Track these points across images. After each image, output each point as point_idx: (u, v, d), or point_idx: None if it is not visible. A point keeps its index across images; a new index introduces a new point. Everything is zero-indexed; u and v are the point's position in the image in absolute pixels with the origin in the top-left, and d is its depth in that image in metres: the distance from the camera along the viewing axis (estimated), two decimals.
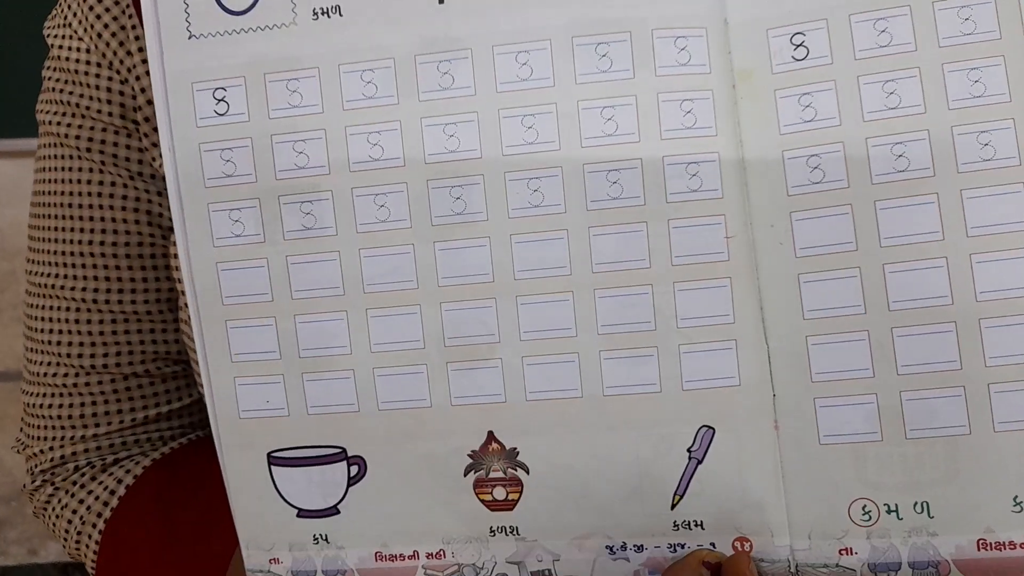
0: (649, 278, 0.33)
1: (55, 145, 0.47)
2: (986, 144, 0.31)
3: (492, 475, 0.35)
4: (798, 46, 0.33)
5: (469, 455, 0.35)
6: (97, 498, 0.46)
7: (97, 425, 0.47)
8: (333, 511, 0.36)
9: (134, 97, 0.44)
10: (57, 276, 0.47)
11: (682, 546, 0.33)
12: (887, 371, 0.32)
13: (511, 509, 0.35)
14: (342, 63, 0.34)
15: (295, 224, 0.35)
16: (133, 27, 0.44)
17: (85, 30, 0.45)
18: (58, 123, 0.46)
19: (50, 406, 0.47)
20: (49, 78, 0.47)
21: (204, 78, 0.35)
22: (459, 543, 0.35)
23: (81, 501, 0.46)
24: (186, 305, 0.44)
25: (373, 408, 0.35)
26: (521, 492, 0.35)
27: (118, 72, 0.44)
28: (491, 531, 0.35)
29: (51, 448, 0.47)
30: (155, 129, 0.44)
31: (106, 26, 0.45)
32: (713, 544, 0.33)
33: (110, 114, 0.45)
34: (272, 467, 0.36)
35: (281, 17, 0.35)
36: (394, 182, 0.34)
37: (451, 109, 0.34)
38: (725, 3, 0.33)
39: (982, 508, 0.31)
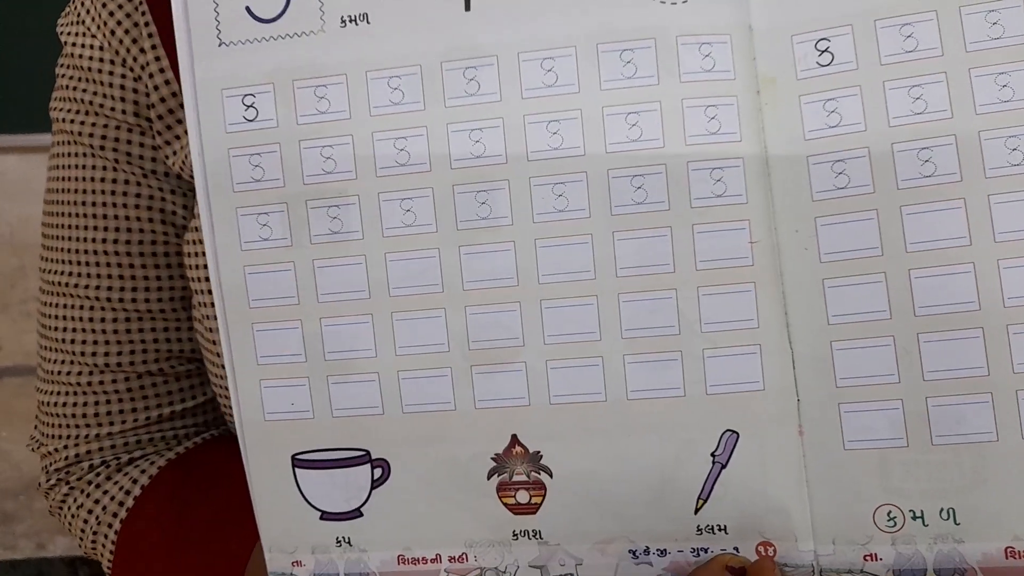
0: (673, 282, 0.33)
1: (69, 143, 0.47)
2: (1014, 149, 0.31)
3: (515, 479, 0.35)
4: (823, 52, 0.33)
5: (493, 458, 0.35)
6: (113, 498, 0.46)
7: (111, 424, 0.47)
8: (356, 514, 0.36)
9: (147, 95, 0.45)
10: (71, 275, 0.47)
11: (705, 550, 0.33)
12: (913, 377, 0.31)
13: (534, 513, 0.35)
14: (369, 70, 0.35)
15: (322, 228, 0.35)
16: (146, 24, 0.44)
17: (99, 27, 0.45)
18: (71, 121, 0.46)
19: (64, 404, 0.47)
20: (62, 76, 0.47)
21: (234, 84, 0.36)
22: (482, 547, 0.35)
23: (97, 501, 0.46)
24: (200, 304, 0.44)
25: (397, 411, 0.35)
26: (544, 496, 0.35)
27: (131, 70, 0.45)
28: (514, 535, 0.35)
29: (65, 447, 0.47)
30: (168, 127, 0.45)
31: (119, 23, 0.45)
32: (737, 549, 0.33)
33: (124, 112, 0.45)
34: (296, 469, 0.36)
35: (309, 25, 0.35)
36: (420, 187, 0.35)
37: (477, 115, 0.34)
38: (750, 10, 0.33)
39: (1010, 515, 0.31)
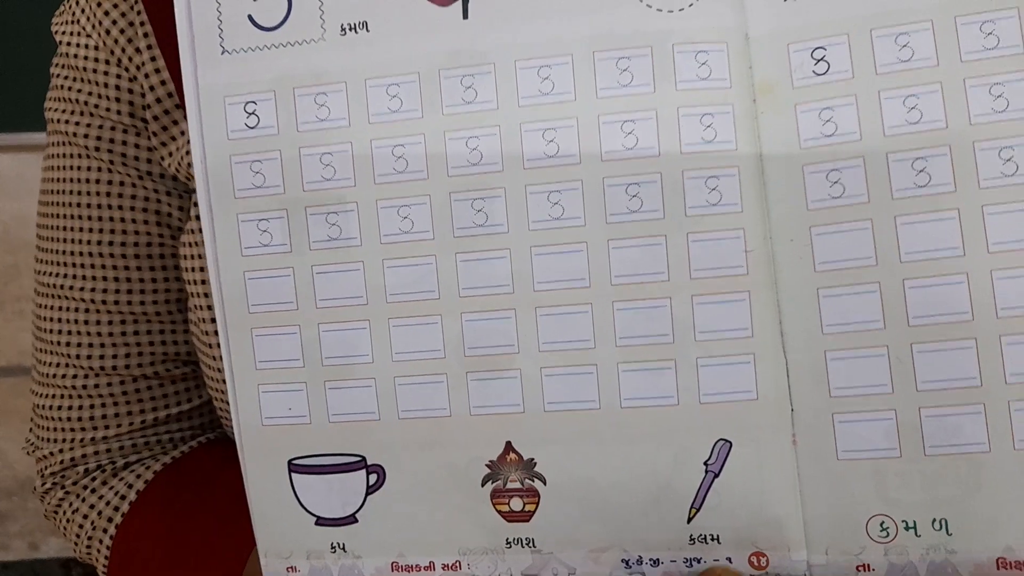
0: (668, 291, 0.33)
1: (63, 144, 0.47)
2: (1008, 159, 0.31)
3: (509, 485, 0.35)
4: (819, 60, 0.33)
5: (487, 465, 0.35)
6: (108, 503, 0.46)
7: (107, 427, 0.47)
8: (351, 520, 0.36)
9: (143, 95, 0.44)
10: (66, 276, 0.46)
11: (698, 560, 0.33)
12: (906, 387, 0.31)
13: (527, 520, 0.35)
14: (368, 77, 0.35)
15: (321, 235, 0.36)
16: (142, 24, 0.44)
17: (93, 27, 0.45)
18: (66, 121, 0.46)
19: (59, 408, 0.47)
20: (57, 75, 0.47)
21: (236, 92, 0.36)
22: (475, 554, 0.36)
23: (92, 506, 0.46)
24: (196, 307, 0.44)
25: (393, 417, 0.35)
26: (538, 503, 0.35)
27: (127, 70, 0.44)
28: (507, 543, 0.35)
29: (60, 451, 0.47)
30: (164, 128, 0.44)
31: (114, 23, 0.44)
32: (730, 559, 0.33)
33: (119, 112, 0.45)
34: (292, 474, 0.36)
35: (310, 33, 0.36)
36: (418, 194, 0.35)
37: (474, 123, 0.34)
38: (746, 18, 0.33)
39: (1002, 526, 0.31)
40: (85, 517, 0.46)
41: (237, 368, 0.36)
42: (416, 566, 0.36)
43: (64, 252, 0.47)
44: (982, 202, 0.31)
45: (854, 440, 0.32)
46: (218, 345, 0.43)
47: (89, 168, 0.46)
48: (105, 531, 0.46)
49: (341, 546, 0.37)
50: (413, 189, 0.35)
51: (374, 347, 0.35)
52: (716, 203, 0.33)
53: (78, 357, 0.46)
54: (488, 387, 0.35)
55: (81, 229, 0.46)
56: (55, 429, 0.47)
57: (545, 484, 0.34)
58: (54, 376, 0.47)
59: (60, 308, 0.47)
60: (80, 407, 0.47)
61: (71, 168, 0.46)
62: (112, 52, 0.44)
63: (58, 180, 0.47)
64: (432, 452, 0.35)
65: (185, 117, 0.42)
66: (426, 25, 0.35)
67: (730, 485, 0.33)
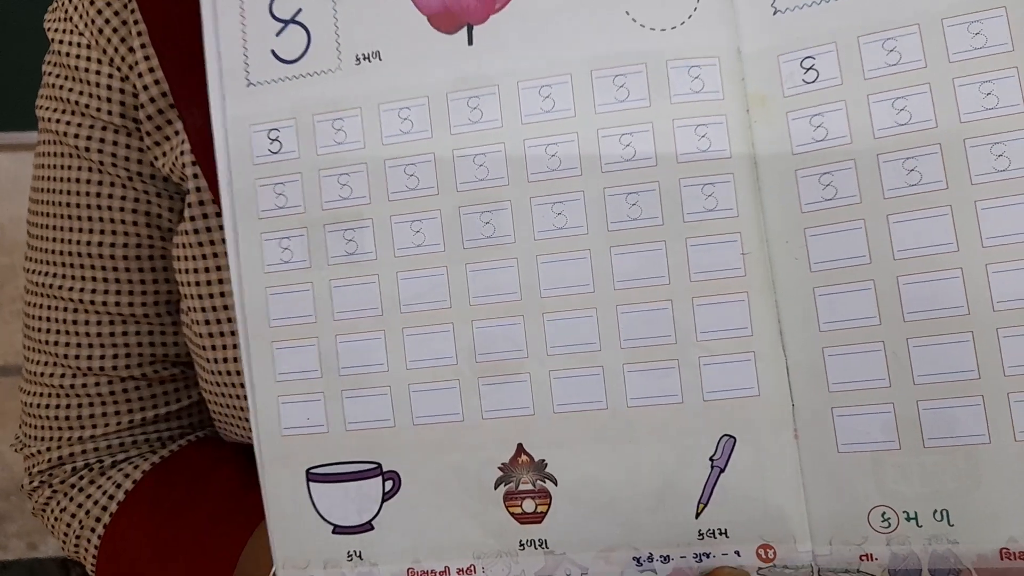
0: (668, 294, 0.34)
1: (54, 143, 0.46)
2: (1000, 155, 0.32)
3: (521, 487, 0.36)
4: (808, 69, 0.34)
5: (499, 468, 0.36)
6: (96, 502, 0.46)
7: (95, 427, 0.46)
8: (367, 527, 0.37)
9: (135, 95, 0.44)
10: (55, 276, 0.46)
11: (707, 555, 0.34)
12: (903, 381, 0.32)
13: (540, 522, 0.36)
14: (382, 102, 0.37)
15: (338, 250, 0.38)
16: (136, 23, 0.43)
17: (86, 25, 0.44)
18: (57, 120, 0.45)
19: (47, 406, 0.47)
20: (49, 73, 0.46)
21: (260, 120, 0.39)
22: (489, 558, 0.36)
23: (80, 505, 0.46)
24: (189, 309, 0.44)
25: (408, 423, 0.37)
26: (550, 504, 0.35)
27: (119, 69, 0.44)
28: (520, 545, 0.36)
29: (48, 449, 0.47)
30: (158, 128, 0.44)
31: (107, 21, 0.44)
32: (738, 552, 0.33)
33: (110, 112, 0.44)
34: (310, 483, 0.38)
35: (327, 64, 0.38)
36: (429, 209, 0.37)
37: (480, 140, 0.36)
38: (738, 33, 0.35)
39: (1004, 517, 0.31)
40: (73, 516, 0.46)
41: (258, 380, 0.38)
42: (431, 571, 0.37)
43: (54, 252, 0.46)
44: (974, 198, 0.32)
45: (853, 433, 0.32)
46: (212, 348, 0.44)
47: (80, 168, 0.46)
48: (93, 530, 0.46)
49: (358, 554, 0.38)
50: (424, 204, 0.37)
51: (389, 356, 0.37)
52: (713, 209, 0.34)
53: (66, 357, 0.46)
54: (499, 391, 0.36)
55: (71, 229, 0.46)
56: (43, 427, 0.47)
57: (556, 485, 0.35)
58: (43, 375, 0.47)
59: (49, 307, 0.47)
60: (68, 406, 0.47)
61: (61, 168, 0.46)
62: (105, 51, 0.44)
63: (48, 179, 0.47)
64: (446, 456, 0.36)
65: (179, 117, 0.44)
66: (434, 52, 0.37)
67: (735, 480, 0.33)
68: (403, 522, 0.37)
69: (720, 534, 0.34)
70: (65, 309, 0.47)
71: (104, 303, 0.46)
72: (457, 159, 0.37)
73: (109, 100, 0.45)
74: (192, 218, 0.44)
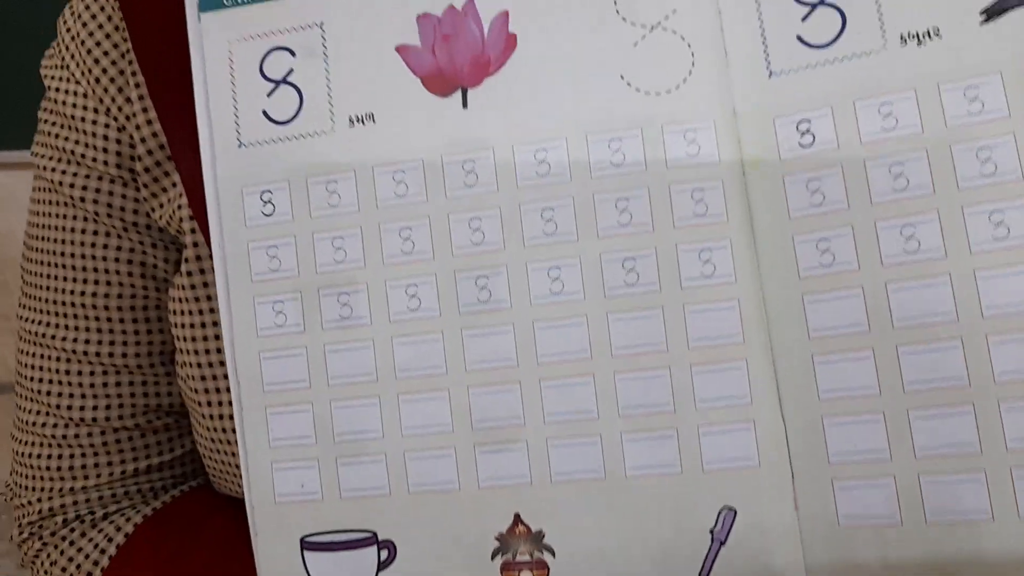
0: (667, 361, 0.34)
1: (49, 190, 0.46)
2: (999, 223, 0.32)
3: (519, 559, 0.35)
4: (804, 133, 0.34)
5: (496, 538, 0.35)
6: (87, 556, 0.45)
7: (86, 478, 0.46)
8: None
9: (132, 145, 0.44)
10: (48, 325, 0.46)
11: None
12: (904, 453, 0.31)
13: None
14: (376, 165, 0.37)
15: (333, 315, 0.37)
16: (133, 74, 0.43)
17: (83, 74, 0.44)
18: (52, 169, 0.45)
19: (39, 456, 0.46)
20: (45, 121, 0.46)
21: (252, 182, 0.38)
22: None
23: (71, 559, 0.45)
24: (184, 364, 0.44)
25: (403, 491, 0.36)
26: None
27: (115, 119, 0.44)
28: None
29: (39, 500, 0.46)
30: (155, 179, 0.44)
31: (104, 71, 0.43)
32: None
33: (106, 163, 0.44)
34: (304, 552, 0.37)
35: (321, 125, 0.38)
36: (424, 274, 0.36)
37: (475, 205, 0.36)
38: (733, 95, 0.35)
39: None
40: (63, 570, 0.45)
41: (251, 446, 0.38)
42: None
43: (47, 301, 0.46)
44: (975, 267, 0.32)
45: (855, 506, 0.32)
46: (208, 404, 0.43)
47: (75, 217, 0.45)
48: None
49: None
50: (419, 269, 0.36)
51: (384, 422, 0.36)
52: (711, 275, 0.34)
53: (58, 407, 0.46)
54: (496, 459, 0.35)
55: (65, 279, 0.46)
56: (34, 478, 0.47)
57: (554, 556, 0.35)
58: (34, 424, 0.47)
59: (42, 356, 0.47)
60: (60, 456, 0.46)
61: (56, 216, 0.46)
62: (101, 100, 0.44)
63: (42, 227, 0.47)
64: (442, 526, 0.36)
65: (177, 169, 0.43)
66: (428, 115, 0.37)
67: (736, 553, 0.33)
68: None
69: None
70: (58, 359, 0.46)
71: (97, 353, 0.46)
72: (452, 223, 0.36)
73: (105, 150, 0.44)
74: (189, 273, 0.44)
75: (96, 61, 0.44)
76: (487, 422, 0.35)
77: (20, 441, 0.48)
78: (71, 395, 0.46)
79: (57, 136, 0.46)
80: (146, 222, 0.46)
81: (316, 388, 0.37)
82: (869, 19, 0.34)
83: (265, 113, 0.38)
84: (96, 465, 0.46)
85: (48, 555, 0.47)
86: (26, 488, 0.48)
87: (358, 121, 0.37)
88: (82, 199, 0.45)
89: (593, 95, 0.35)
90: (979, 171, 0.32)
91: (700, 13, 0.35)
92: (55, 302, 0.46)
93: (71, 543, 0.46)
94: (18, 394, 0.49)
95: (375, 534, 0.36)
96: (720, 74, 0.35)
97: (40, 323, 0.47)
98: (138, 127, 0.44)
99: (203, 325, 0.44)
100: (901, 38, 0.33)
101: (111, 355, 0.46)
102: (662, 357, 0.34)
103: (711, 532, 0.33)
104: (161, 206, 0.45)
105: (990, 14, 0.33)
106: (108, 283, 0.46)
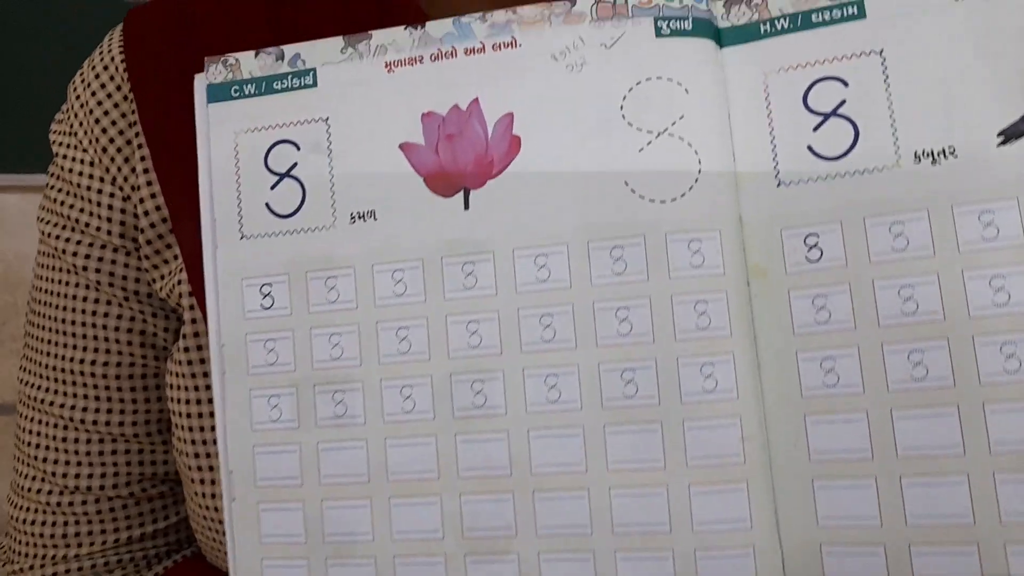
0: (664, 479, 0.33)
1: (52, 256, 0.46)
2: (1011, 355, 0.31)
3: None
4: (812, 247, 0.33)
5: None
6: None
7: (79, 545, 0.46)
8: None
9: (136, 216, 0.44)
10: (46, 391, 0.46)
11: None
12: None
13: None
14: (375, 263, 0.37)
15: (327, 412, 0.37)
16: (140, 146, 0.43)
17: (90, 142, 0.44)
18: (56, 236, 0.46)
19: (34, 522, 0.46)
20: (51, 187, 0.47)
21: (252, 274, 0.38)
22: None
23: None
24: (180, 439, 0.43)
25: None
26: None
27: (121, 189, 0.44)
28: None
29: (32, 567, 0.46)
30: (157, 252, 0.44)
31: (111, 140, 0.44)
32: None
33: (110, 232, 0.44)
34: None
35: (322, 220, 0.37)
36: (420, 375, 0.36)
37: (474, 308, 0.35)
38: (740, 202, 0.34)
39: None
40: None
41: (240, 540, 0.37)
42: None
43: (46, 367, 0.46)
44: (983, 399, 0.30)
45: None
46: (200, 481, 0.43)
47: (76, 285, 0.46)
48: None
49: None
50: (415, 370, 0.36)
51: (375, 525, 0.36)
52: (712, 390, 0.33)
53: (54, 474, 0.46)
54: (486, 570, 0.35)
55: (64, 346, 0.46)
56: (29, 544, 0.47)
57: None
58: (30, 490, 0.47)
59: (40, 422, 0.47)
60: (54, 523, 0.46)
61: (58, 283, 0.46)
62: (108, 169, 0.44)
63: (45, 292, 0.47)
64: None
65: (178, 242, 0.44)
66: (430, 215, 0.36)
67: None
68: None
69: None
70: (55, 426, 0.47)
71: (95, 422, 0.46)
72: (450, 325, 0.36)
73: (109, 220, 0.45)
74: (187, 349, 0.44)
75: (104, 130, 0.45)
76: (478, 531, 0.35)
77: (16, 506, 0.48)
78: (67, 462, 0.46)
79: (63, 204, 0.46)
80: (147, 291, 0.46)
81: (308, 486, 0.37)
82: (883, 134, 0.33)
83: (268, 206, 0.38)
84: (90, 533, 0.46)
85: None
86: (21, 554, 0.48)
87: (359, 218, 0.37)
88: (84, 267, 0.45)
89: (596, 201, 0.35)
90: (992, 300, 0.31)
91: (708, 119, 0.34)
92: (54, 368, 0.47)
93: None
94: (16, 458, 0.49)
95: None
96: (727, 182, 0.34)
97: (39, 388, 0.47)
98: (142, 199, 0.44)
99: (199, 402, 0.44)
100: (915, 156, 0.32)
101: (108, 423, 0.46)
102: (659, 475, 0.33)
103: None
104: (162, 277, 0.45)
105: (1008, 136, 0.32)
106: (107, 351, 0.46)
